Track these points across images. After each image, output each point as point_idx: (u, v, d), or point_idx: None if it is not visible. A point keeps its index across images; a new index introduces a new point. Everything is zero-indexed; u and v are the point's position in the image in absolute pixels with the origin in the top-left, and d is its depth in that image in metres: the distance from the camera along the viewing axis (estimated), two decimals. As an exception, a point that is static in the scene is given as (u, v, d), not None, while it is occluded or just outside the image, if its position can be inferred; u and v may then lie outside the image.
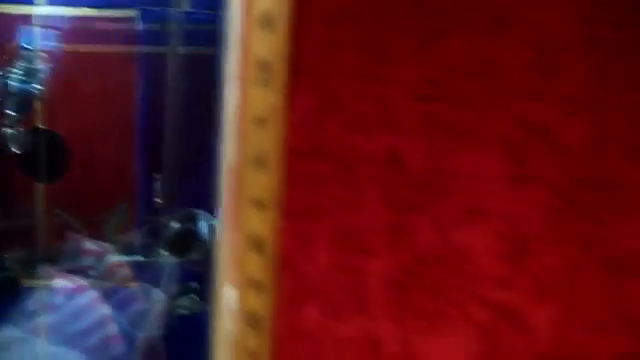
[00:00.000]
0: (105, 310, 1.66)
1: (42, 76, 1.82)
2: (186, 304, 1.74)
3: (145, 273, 1.79)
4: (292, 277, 0.60)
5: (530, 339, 0.62)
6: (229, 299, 0.61)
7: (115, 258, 1.80)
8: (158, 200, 2.08)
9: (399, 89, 0.55)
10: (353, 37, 0.54)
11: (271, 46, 0.56)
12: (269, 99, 0.56)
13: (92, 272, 1.77)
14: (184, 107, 1.95)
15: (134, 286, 1.77)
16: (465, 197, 0.58)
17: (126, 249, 1.86)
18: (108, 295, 1.70)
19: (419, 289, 0.60)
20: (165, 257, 1.78)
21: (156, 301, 1.77)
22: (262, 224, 0.58)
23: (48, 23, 1.88)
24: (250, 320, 0.60)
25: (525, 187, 0.58)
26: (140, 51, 2.02)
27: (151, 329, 1.71)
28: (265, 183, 0.57)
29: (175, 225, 1.79)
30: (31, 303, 1.61)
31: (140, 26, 2.01)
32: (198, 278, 1.78)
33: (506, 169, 0.57)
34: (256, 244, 0.59)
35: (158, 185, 2.09)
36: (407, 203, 0.58)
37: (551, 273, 0.60)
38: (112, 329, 1.65)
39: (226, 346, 0.62)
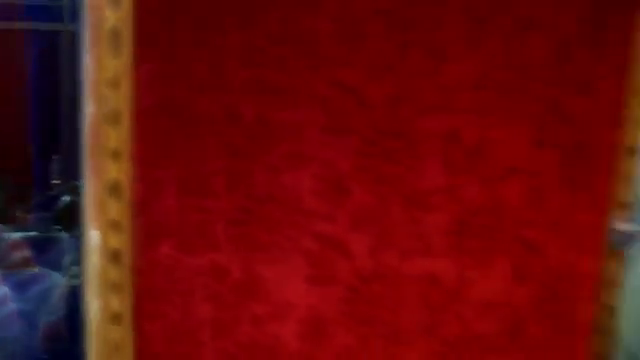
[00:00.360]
0: (2, 290, 1.67)
1: None
2: (76, 274, 1.79)
3: (41, 249, 1.81)
4: (147, 218, 0.70)
5: (352, 264, 0.75)
6: (94, 240, 0.71)
7: (12, 236, 1.81)
8: (55, 181, 2.10)
9: (230, 55, 0.67)
10: (188, 11, 0.64)
11: (119, 18, 0.65)
12: (120, 64, 0.66)
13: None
14: (77, 85, 1.97)
15: (34, 269, 1.79)
16: (290, 146, 0.70)
17: (20, 226, 1.87)
18: (6, 276, 1.71)
19: (257, 225, 0.72)
20: (58, 231, 1.81)
21: (56, 282, 1.79)
22: (118, 173, 0.68)
23: None
24: (112, 257, 0.70)
25: (339, 137, 0.71)
26: (30, 27, 2.01)
27: (52, 310, 1.74)
28: (119, 136, 0.67)
29: (65, 199, 1.82)
30: None
31: (27, 1, 2.00)
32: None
33: (322, 122, 0.70)
34: (114, 190, 0.68)
35: (55, 165, 2.11)
36: (243, 151, 0.69)
37: (365, 208, 0.73)
38: (9, 309, 1.66)
39: (94, 281, 0.72)
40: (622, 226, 0.83)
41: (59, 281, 1.78)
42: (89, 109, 0.69)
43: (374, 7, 0.69)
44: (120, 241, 0.70)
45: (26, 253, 1.82)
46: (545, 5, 0.73)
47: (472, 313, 0.81)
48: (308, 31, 0.68)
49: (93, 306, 0.73)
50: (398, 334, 0.79)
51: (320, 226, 0.73)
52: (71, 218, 1.77)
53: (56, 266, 1.82)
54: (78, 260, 1.75)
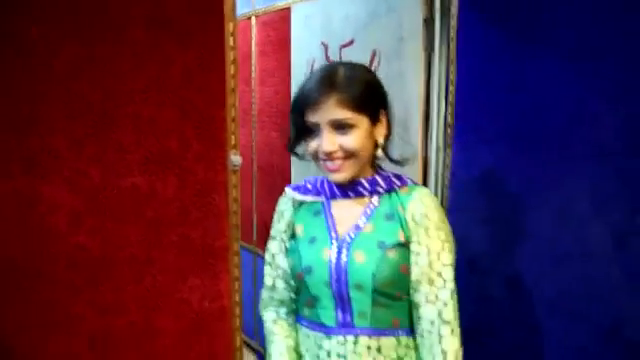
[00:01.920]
0: None
1: None
2: None
3: None
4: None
5: (92, 182, 1.49)
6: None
7: None
8: None
9: None
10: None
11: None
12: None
13: None
14: None
15: None
16: (44, 124, 1.41)
17: None
18: None
19: (37, 165, 1.42)
20: None
21: None
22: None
23: None
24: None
25: (74, 120, 1.44)
26: None
27: None
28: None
29: None
30: None
31: None
32: None
33: (66, 111, 1.43)
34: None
35: None
36: (20, 128, 1.39)
37: (96, 155, 1.48)
38: None
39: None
40: (232, 157, 1.70)
41: None
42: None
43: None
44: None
45: None
46: (177, 51, 1.55)
47: (159, 205, 1.60)
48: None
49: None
50: (120, 217, 1.55)
51: (72, 164, 1.46)
52: None
53: None
54: None
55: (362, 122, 1.34)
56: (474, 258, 2.11)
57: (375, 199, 1.43)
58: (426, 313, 1.33)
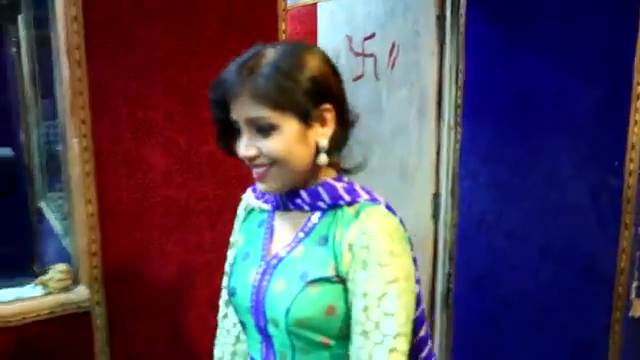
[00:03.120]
0: None
1: None
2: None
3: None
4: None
5: (179, 147, 1.92)
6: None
7: None
8: None
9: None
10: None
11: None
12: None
13: None
14: None
15: None
16: (148, 111, 1.85)
17: None
18: None
19: (145, 137, 1.85)
20: None
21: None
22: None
23: None
24: (83, 150, 1.78)
25: (165, 99, 1.87)
26: None
27: None
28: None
29: None
30: None
31: None
32: None
33: (169, 107, 1.86)
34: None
35: None
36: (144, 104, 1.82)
37: (183, 125, 1.91)
38: None
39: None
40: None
41: None
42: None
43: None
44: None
45: None
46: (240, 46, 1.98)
47: (228, 168, 2.03)
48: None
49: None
50: (199, 176, 1.98)
51: (166, 133, 1.90)
52: None
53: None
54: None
55: (288, 123, 1.02)
56: (481, 217, 2.54)
57: (316, 216, 1.11)
58: None
